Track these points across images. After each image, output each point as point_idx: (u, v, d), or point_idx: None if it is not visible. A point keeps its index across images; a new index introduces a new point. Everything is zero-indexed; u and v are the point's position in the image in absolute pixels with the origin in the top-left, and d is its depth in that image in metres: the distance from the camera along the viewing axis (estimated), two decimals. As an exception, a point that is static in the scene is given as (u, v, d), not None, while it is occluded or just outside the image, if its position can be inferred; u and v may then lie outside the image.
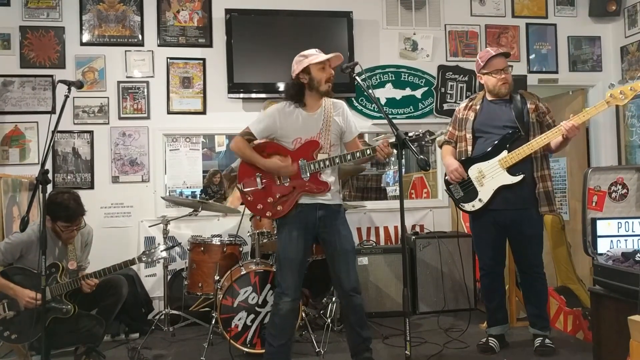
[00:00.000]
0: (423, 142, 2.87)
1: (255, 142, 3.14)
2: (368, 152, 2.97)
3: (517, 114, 3.43)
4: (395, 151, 2.90)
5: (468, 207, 3.51)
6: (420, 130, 2.89)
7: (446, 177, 3.60)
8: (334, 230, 3.06)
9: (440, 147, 3.81)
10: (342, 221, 3.13)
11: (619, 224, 3.31)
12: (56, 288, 3.29)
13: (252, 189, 3.10)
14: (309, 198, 3.04)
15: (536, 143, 3.34)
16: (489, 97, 3.57)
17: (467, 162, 3.50)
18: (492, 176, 3.41)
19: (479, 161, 3.46)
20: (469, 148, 3.53)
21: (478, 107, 3.56)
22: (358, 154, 2.99)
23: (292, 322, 3.10)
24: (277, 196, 3.05)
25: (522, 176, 3.36)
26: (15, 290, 3.24)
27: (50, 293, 3.25)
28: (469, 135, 3.54)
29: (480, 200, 3.45)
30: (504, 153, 3.39)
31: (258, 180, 3.09)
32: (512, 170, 3.37)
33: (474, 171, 3.47)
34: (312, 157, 3.03)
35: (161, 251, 3.47)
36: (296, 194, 3.03)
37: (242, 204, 4.03)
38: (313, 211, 3.04)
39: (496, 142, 3.42)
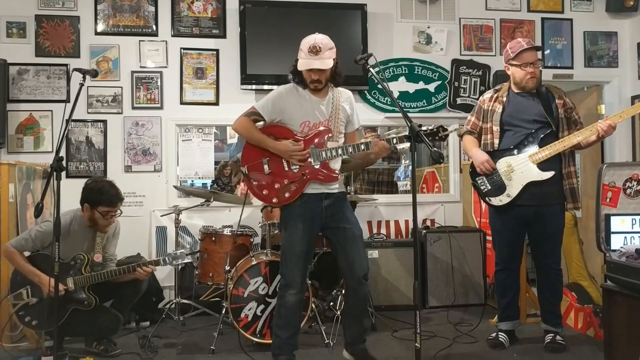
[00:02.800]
0: (437, 138, 2.81)
1: (259, 124, 3.03)
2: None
3: (546, 108, 3.37)
4: (387, 147, 2.89)
5: (495, 201, 3.43)
6: (433, 126, 2.83)
7: (471, 170, 3.51)
8: (342, 217, 3.02)
9: (461, 137, 3.73)
10: (348, 208, 3.10)
11: (634, 220, 3.28)
12: (80, 280, 3.30)
13: (258, 173, 2.99)
14: (315, 187, 2.97)
15: (569, 141, 3.27)
16: (515, 89, 3.49)
17: (494, 155, 3.43)
18: (521, 171, 3.33)
19: (507, 155, 3.39)
20: (496, 141, 3.46)
21: (505, 99, 3.49)
22: (364, 147, 2.94)
23: (299, 313, 3.09)
24: (285, 182, 2.94)
25: (552, 173, 3.30)
26: (41, 277, 3.24)
27: (74, 284, 3.28)
28: (495, 128, 3.46)
29: (508, 195, 3.37)
30: (535, 148, 3.32)
31: (265, 164, 2.97)
32: (541, 166, 3.31)
33: (502, 165, 3.39)
34: (323, 143, 2.96)
35: (186, 255, 3.46)
36: (305, 181, 2.94)
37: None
38: (319, 201, 2.98)
39: (526, 136, 3.36)
